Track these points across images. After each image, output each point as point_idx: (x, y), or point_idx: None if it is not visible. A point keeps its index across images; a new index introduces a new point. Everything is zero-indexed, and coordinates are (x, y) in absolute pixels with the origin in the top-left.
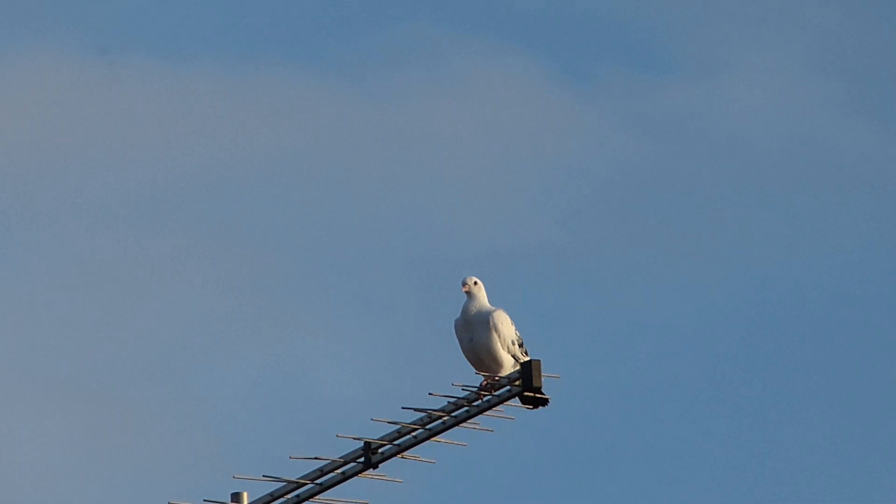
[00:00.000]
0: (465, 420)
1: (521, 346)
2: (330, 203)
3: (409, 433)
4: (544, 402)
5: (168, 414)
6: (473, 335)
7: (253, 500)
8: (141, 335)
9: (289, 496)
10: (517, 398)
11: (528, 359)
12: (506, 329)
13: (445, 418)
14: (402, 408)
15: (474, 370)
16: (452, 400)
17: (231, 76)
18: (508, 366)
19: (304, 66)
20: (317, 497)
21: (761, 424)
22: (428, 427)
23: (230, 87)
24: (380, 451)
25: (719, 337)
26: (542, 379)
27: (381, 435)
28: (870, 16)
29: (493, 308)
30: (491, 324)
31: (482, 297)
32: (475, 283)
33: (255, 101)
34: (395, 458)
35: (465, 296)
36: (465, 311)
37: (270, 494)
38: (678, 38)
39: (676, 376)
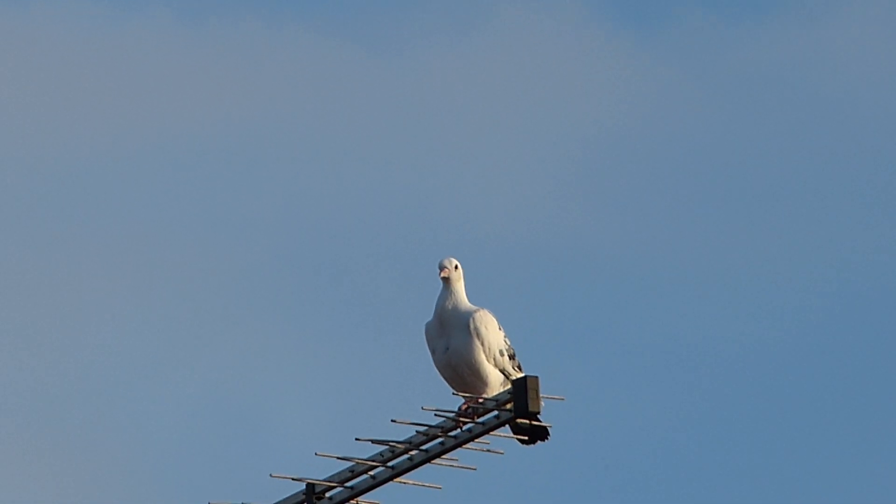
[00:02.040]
0: (439, 455)
1: (512, 357)
2: (304, 189)
3: (364, 472)
4: (543, 432)
5: (77, 453)
6: (450, 342)
7: None
8: (54, 351)
9: None
10: (507, 427)
11: (521, 375)
12: (492, 335)
13: (413, 453)
14: (357, 439)
15: (451, 390)
16: (422, 429)
17: (188, 28)
18: (496, 384)
19: (285, 14)
20: None
21: (823, 469)
22: (390, 464)
23: (186, 42)
24: (327, 495)
25: (789, 360)
26: (542, 402)
27: (329, 475)
28: None
29: (475, 307)
30: (472, 328)
31: (461, 291)
32: (456, 267)
33: (219, 59)
34: None
35: (442, 285)
36: (439, 309)
37: None
38: None
39: (722, 407)
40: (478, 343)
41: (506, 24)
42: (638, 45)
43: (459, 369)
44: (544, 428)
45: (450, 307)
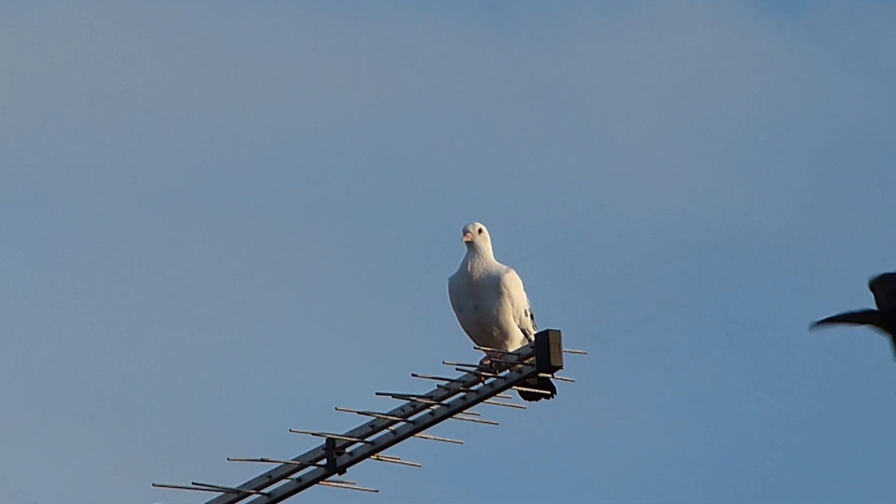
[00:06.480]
0: (460, 410)
1: (532, 317)
2: (441, 176)
3: (385, 427)
4: (549, 391)
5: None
6: (480, 302)
7: None
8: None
9: None
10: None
11: (537, 331)
12: (518, 295)
13: (434, 407)
14: (377, 394)
15: (473, 344)
16: (443, 383)
17: (321, 13)
18: (518, 341)
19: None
20: None
21: None
22: (411, 419)
23: (319, 29)
24: (347, 450)
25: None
26: (564, 356)
27: (350, 430)
28: None
29: (504, 267)
30: (502, 288)
31: (488, 252)
32: (479, 230)
33: (355, 45)
34: (367, 459)
35: (466, 247)
36: (469, 268)
37: None
38: None
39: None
40: (508, 303)
41: (651, 7)
42: (781, 29)
43: (488, 328)
44: (551, 388)
45: (480, 269)
